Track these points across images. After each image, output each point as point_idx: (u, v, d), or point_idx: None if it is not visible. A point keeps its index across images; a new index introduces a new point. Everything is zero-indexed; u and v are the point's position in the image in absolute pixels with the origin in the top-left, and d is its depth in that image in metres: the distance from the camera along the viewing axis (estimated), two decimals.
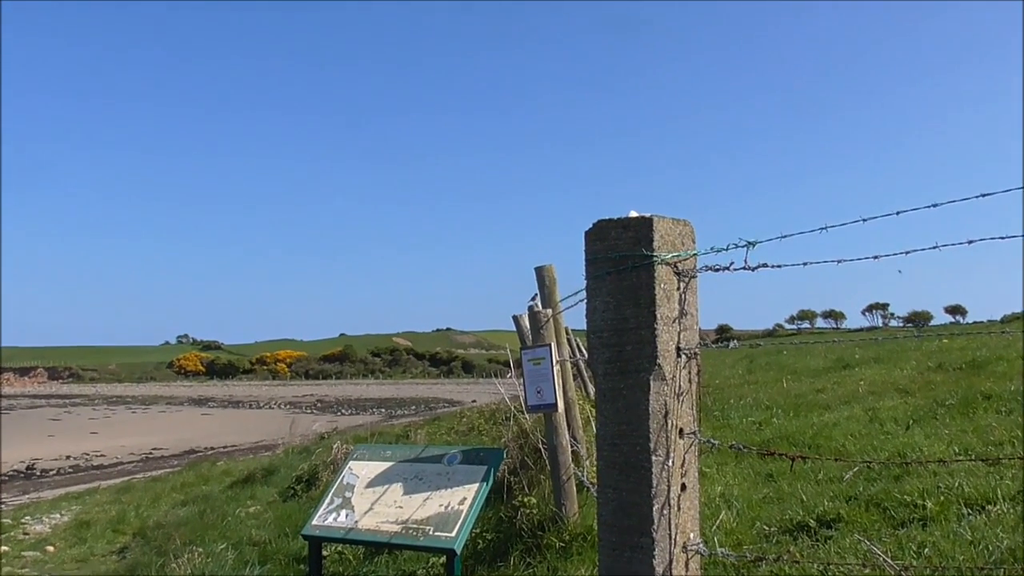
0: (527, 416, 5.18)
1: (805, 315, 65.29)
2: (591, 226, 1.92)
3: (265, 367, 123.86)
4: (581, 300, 1.94)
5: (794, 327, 65.50)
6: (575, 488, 4.47)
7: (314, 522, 3.93)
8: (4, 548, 8.92)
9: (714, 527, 4.00)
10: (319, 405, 56.29)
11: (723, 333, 71.89)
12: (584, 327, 1.95)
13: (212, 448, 26.37)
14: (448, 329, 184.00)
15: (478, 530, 4.58)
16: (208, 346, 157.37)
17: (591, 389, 12.52)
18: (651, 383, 1.80)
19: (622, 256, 1.85)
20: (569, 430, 4.69)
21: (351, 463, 4.22)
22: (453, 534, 3.52)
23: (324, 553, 4.85)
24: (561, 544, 4.22)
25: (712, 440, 1.98)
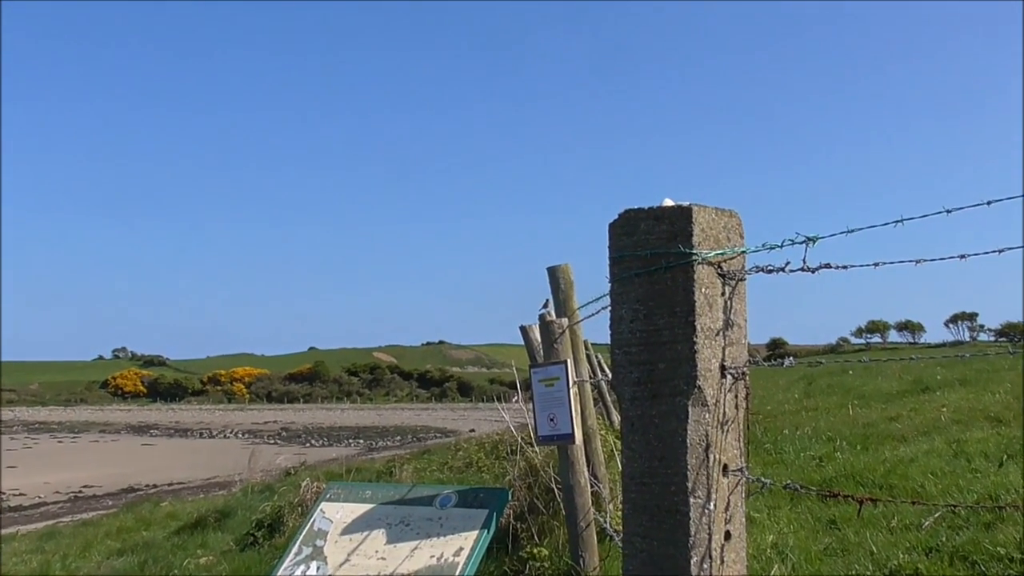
0: (537, 449, 5.17)
1: (876, 327, 65.25)
2: (616, 217, 1.90)
3: (219, 387, 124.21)
4: (604, 307, 1.94)
5: (862, 341, 65.43)
6: (595, 537, 4.46)
7: (279, 575, 3.93)
8: None
9: None
10: (284, 434, 56.31)
11: (776, 348, 71.81)
12: (607, 340, 1.95)
13: (155, 486, 26.40)
14: (441, 343, 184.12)
15: None
16: (150, 362, 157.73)
17: (615, 416, 12.55)
18: (689, 409, 1.79)
19: (654, 254, 1.83)
20: (588, 466, 4.68)
21: (323, 505, 4.22)
22: None
23: None
24: None
25: (763, 479, 1.97)
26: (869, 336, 66.05)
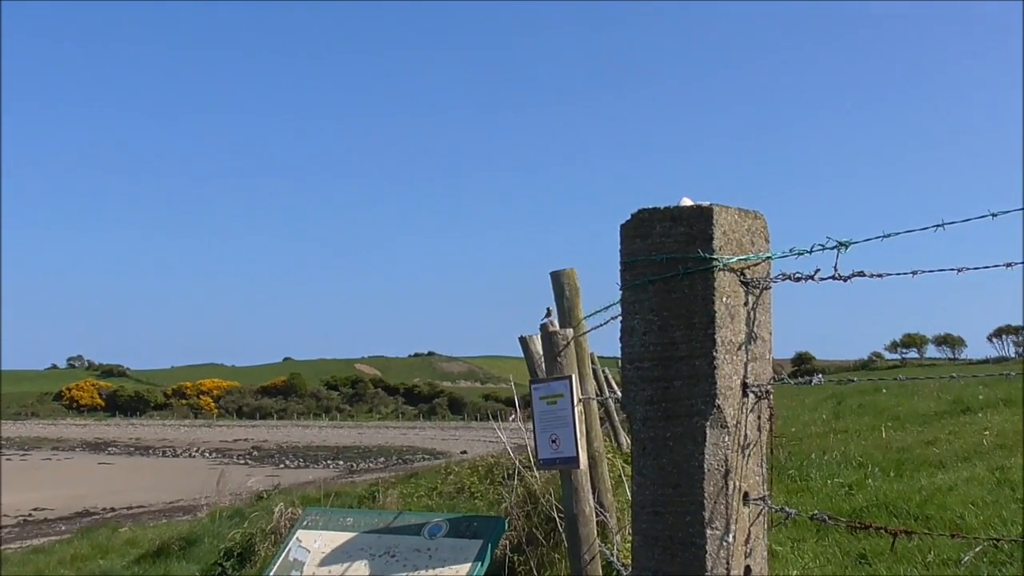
0: (537, 473, 5.17)
1: (912, 341, 65.40)
2: (629, 218, 1.91)
3: (184, 401, 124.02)
4: (614, 317, 1.95)
5: (897, 357, 65.52)
6: (601, 571, 4.46)
7: None
8: None
9: None
10: (255, 454, 56.40)
11: (802, 364, 71.92)
12: (617, 354, 1.95)
13: (113, 509, 26.39)
14: (430, 354, 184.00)
15: None
16: (109, 372, 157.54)
17: (624, 438, 12.54)
18: (707, 431, 1.79)
19: (671, 259, 1.83)
20: (594, 493, 4.67)
21: (299, 533, 4.22)
22: None
23: None
24: None
25: (787, 508, 1.97)
26: (905, 351, 66.25)
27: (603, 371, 13.04)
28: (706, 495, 1.78)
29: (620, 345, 1.92)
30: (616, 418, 12.39)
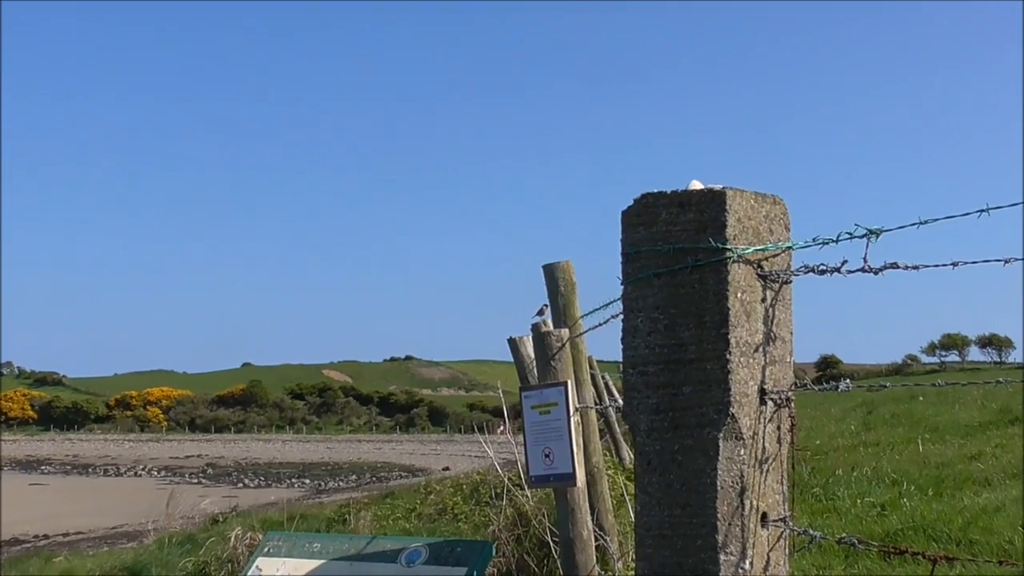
0: (528, 492, 5.17)
1: (952, 343, 65.55)
2: (631, 203, 1.90)
3: (129, 413, 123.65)
4: (615, 316, 1.97)
5: (935, 360, 65.70)
6: None
7: None
8: None
9: None
10: (210, 472, 56.29)
11: (827, 368, 72.18)
12: (618, 357, 1.96)
13: (46, 536, 26.25)
14: (408, 358, 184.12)
15: None
16: (43, 380, 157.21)
17: (626, 452, 12.58)
18: (720, 444, 1.79)
19: (678, 249, 1.83)
20: (592, 514, 4.68)
21: (259, 560, 4.21)
22: None
23: None
24: None
25: (811, 531, 1.95)
26: (944, 354, 66.42)
27: (603, 376, 13.09)
28: (719, 516, 1.78)
29: (622, 347, 1.92)
30: (617, 429, 12.42)
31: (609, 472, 5.72)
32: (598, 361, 11.07)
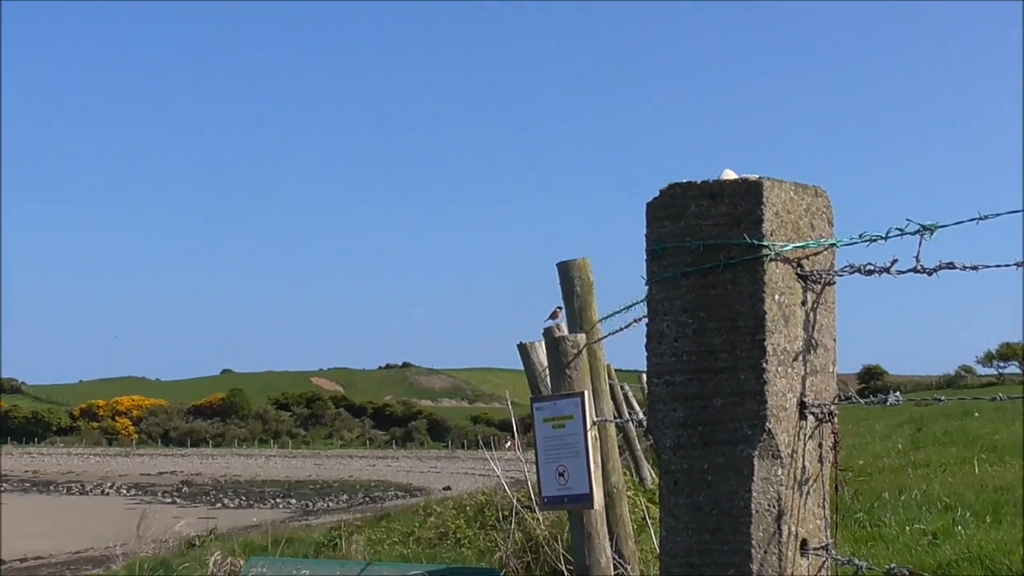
0: (540, 515, 5.13)
1: (1012, 352, 64.35)
2: (657, 195, 1.89)
3: (96, 424, 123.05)
4: (638, 319, 1.96)
5: (992, 372, 64.91)
6: None
7: None
8: None
9: None
10: (185, 490, 56.22)
11: (871, 380, 72.07)
12: (641, 365, 1.99)
13: (2, 562, 26.06)
14: (405, 366, 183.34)
15: None
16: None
17: (648, 472, 12.49)
18: (755, 462, 1.74)
19: (709, 246, 1.78)
20: (611, 540, 4.69)
21: None
22: None
23: None
24: None
25: (855, 560, 1.87)
26: (1002, 365, 65.06)
27: (622, 387, 13.00)
28: (754, 543, 1.76)
29: (645, 354, 1.89)
30: (638, 446, 12.31)
31: (629, 493, 5.69)
32: (618, 370, 11.01)
